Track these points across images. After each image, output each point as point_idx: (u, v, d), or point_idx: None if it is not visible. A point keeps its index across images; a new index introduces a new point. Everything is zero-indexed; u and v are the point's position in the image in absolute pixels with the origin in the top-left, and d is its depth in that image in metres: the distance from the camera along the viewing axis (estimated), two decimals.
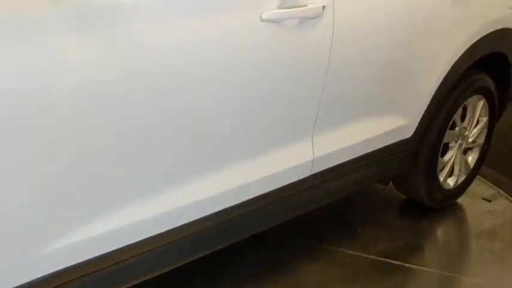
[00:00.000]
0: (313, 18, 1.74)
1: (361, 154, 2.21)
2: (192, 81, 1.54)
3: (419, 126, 2.45)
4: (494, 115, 2.89)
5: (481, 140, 2.91)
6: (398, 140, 2.38)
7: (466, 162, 2.89)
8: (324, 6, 1.75)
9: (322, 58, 1.83)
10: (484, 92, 2.75)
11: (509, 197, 3.10)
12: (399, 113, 2.34)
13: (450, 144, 2.76)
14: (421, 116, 2.43)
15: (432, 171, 2.68)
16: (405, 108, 2.36)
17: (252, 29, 1.60)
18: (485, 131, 2.90)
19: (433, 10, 2.22)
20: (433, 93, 2.42)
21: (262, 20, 1.61)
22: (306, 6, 1.71)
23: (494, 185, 3.21)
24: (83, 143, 1.37)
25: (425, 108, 2.42)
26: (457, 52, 2.41)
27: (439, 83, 2.41)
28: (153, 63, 1.45)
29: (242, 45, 1.61)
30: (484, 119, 2.86)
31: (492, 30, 2.52)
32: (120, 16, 1.35)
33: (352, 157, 2.18)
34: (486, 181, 3.22)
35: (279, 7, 1.64)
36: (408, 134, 2.43)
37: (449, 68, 2.41)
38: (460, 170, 2.86)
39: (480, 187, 3.16)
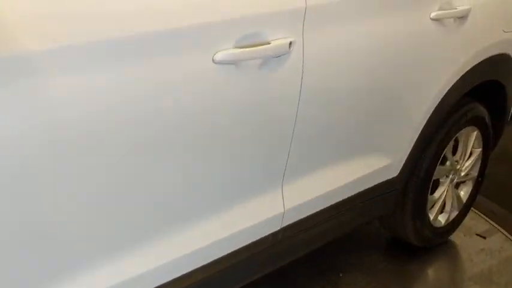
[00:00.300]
0: (278, 56, 1.49)
1: (340, 200, 1.96)
2: (139, 137, 1.30)
3: (406, 164, 2.21)
4: (488, 146, 2.65)
5: (475, 173, 2.68)
6: (382, 181, 2.14)
7: (458, 197, 2.66)
8: (291, 42, 1.50)
9: (290, 100, 1.59)
10: (478, 123, 2.51)
11: (505, 232, 2.86)
12: (383, 152, 2.09)
13: (441, 180, 2.52)
14: (408, 153, 2.19)
15: (421, 210, 2.44)
16: (390, 147, 2.11)
17: (202, 73, 1.35)
18: (479, 162, 2.67)
19: (420, 38, 1.98)
20: (421, 128, 2.17)
21: (215, 62, 1.36)
22: (269, 43, 1.45)
23: (489, 218, 2.98)
24: None
25: (412, 145, 2.18)
26: (447, 83, 2.17)
27: (428, 116, 2.17)
28: (89, 119, 1.20)
29: (191, 92, 1.36)
30: (478, 151, 2.63)
31: (486, 57, 2.29)
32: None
33: (329, 204, 1.93)
34: (480, 214, 2.99)
35: (236, 46, 1.39)
36: (394, 173, 2.19)
37: (439, 100, 2.17)
38: (452, 206, 2.63)
39: (474, 220, 2.93)
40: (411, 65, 1.99)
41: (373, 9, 1.77)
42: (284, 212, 1.75)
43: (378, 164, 2.08)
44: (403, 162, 2.19)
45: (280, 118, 1.60)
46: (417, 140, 2.18)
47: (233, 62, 1.40)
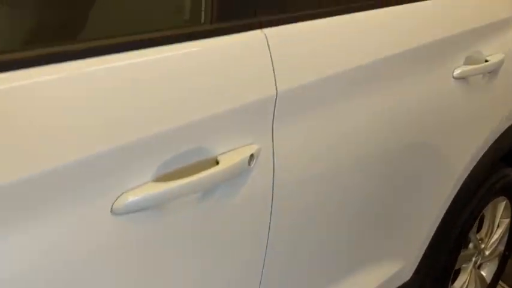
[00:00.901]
0: (230, 179, 0.94)
1: None
2: None
3: (421, 264, 1.66)
4: None
5: (502, 247, 2.14)
6: None
7: (482, 279, 2.12)
8: (252, 156, 0.94)
9: (255, 234, 1.03)
10: (507, 191, 1.97)
11: None
12: (391, 258, 1.54)
13: (463, 266, 1.98)
14: (423, 251, 1.64)
15: None
16: (400, 250, 1.56)
17: (97, 229, 0.80)
18: (507, 234, 2.13)
19: (440, 105, 1.42)
20: (441, 216, 1.63)
21: (114, 214, 0.80)
22: (217, 163, 0.90)
23: None
24: None
25: (429, 241, 1.63)
26: (476, 155, 1.62)
27: (451, 200, 1.63)
28: None
29: (85, 261, 0.81)
30: (506, 221, 2.09)
31: None
32: None
33: None
34: (505, 286, 2.46)
35: (157, 178, 0.83)
36: (405, 277, 1.63)
37: (465, 177, 1.62)
38: None
39: None
40: (428, 144, 1.43)
41: (374, 81, 1.20)
42: None
43: (384, 274, 1.52)
44: (418, 262, 1.65)
45: (245, 247, 1.04)
46: (435, 233, 1.64)
47: (154, 206, 0.84)
